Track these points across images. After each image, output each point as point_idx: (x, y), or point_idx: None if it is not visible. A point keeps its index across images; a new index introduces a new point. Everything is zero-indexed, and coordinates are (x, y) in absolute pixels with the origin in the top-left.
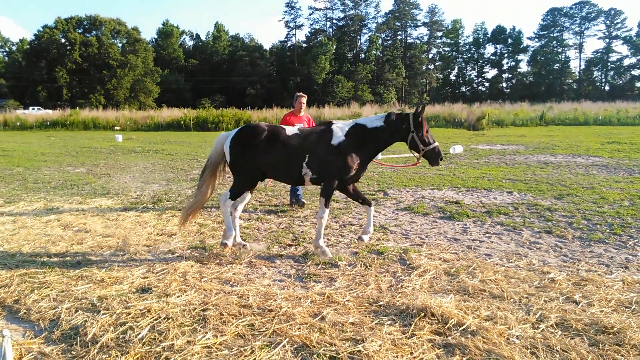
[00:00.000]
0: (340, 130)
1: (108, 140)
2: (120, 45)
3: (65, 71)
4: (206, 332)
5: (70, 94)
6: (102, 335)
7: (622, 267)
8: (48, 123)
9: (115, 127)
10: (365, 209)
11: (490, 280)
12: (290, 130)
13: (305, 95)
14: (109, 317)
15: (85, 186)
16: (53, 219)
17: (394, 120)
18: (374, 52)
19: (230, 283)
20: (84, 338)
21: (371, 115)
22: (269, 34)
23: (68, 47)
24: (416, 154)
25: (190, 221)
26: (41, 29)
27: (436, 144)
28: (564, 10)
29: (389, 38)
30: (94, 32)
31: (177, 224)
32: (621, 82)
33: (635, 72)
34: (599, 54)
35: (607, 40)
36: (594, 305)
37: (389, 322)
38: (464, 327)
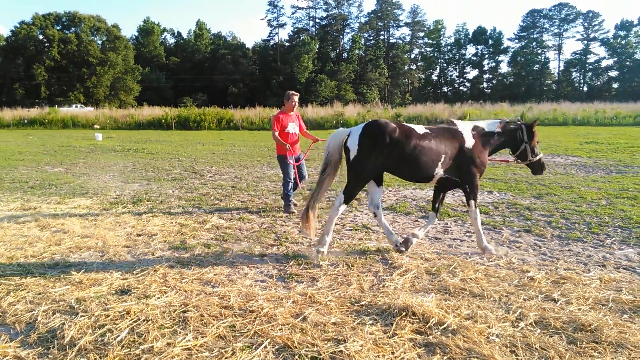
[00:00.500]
0: (468, 132)
1: (87, 139)
2: (100, 42)
3: (44, 68)
4: (186, 334)
5: (48, 92)
6: (80, 338)
7: (599, 266)
8: (26, 121)
9: (95, 126)
10: (431, 215)
11: (470, 279)
12: (420, 129)
13: (298, 94)
14: (87, 320)
15: (63, 186)
16: (30, 220)
17: (511, 129)
18: (356, 51)
19: (212, 284)
20: (62, 341)
21: (486, 120)
22: (251, 32)
23: (46, 44)
24: (512, 157)
25: (313, 221)
26: (18, 25)
27: (542, 154)
28: (544, 12)
29: (371, 38)
30: (73, 29)
31: (301, 226)
32: (599, 83)
33: (612, 74)
34: (577, 56)
35: (586, 42)
36: (572, 303)
37: (370, 321)
38: (445, 326)
